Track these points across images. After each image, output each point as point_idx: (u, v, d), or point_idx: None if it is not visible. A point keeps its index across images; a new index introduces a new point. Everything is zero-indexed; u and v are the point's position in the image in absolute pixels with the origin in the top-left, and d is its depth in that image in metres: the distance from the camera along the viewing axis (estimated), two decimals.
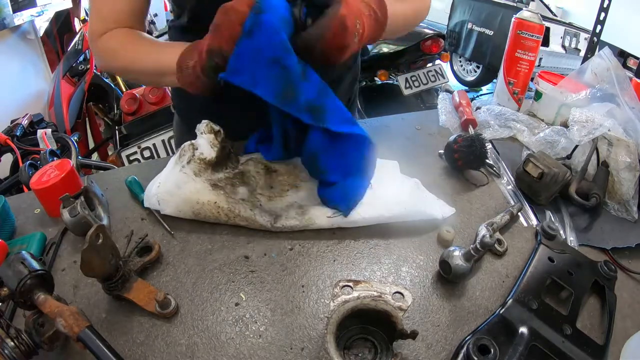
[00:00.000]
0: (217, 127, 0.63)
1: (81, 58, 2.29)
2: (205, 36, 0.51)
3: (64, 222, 0.53)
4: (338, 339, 0.41)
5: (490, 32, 3.88)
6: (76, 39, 2.29)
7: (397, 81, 2.71)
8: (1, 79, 2.06)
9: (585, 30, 3.79)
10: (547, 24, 3.69)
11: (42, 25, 2.50)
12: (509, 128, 0.83)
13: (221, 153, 0.62)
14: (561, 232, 0.60)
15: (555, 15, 4.19)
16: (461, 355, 0.42)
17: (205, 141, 0.61)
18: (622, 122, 0.67)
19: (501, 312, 0.46)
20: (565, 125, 0.78)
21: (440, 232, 0.58)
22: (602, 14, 1.19)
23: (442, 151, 0.73)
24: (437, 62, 2.90)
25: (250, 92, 0.50)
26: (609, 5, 1.18)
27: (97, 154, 2.25)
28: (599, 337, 0.47)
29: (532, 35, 0.83)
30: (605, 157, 0.67)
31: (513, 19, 0.85)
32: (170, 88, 0.83)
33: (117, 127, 1.89)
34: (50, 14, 2.51)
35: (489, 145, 0.73)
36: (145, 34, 0.65)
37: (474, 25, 4.04)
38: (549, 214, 0.64)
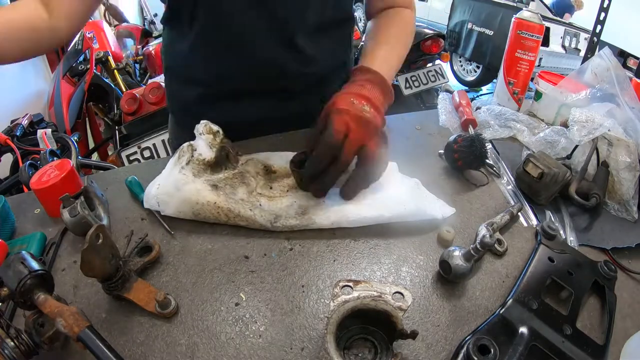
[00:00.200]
0: (215, 128, 0.63)
1: (81, 58, 2.29)
2: None
3: (64, 222, 0.53)
4: (338, 339, 0.41)
5: (490, 32, 3.88)
6: (76, 39, 2.29)
7: (397, 81, 2.72)
8: (1, 79, 2.05)
9: (585, 30, 3.80)
10: (547, 24, 3.69)
11: None
12: (509, 128, 0.83)
13: (220, 153, 0.62)
14: (561, 232, 0.60)
15: (555, 15, 4.19)
16: (461, 355, 0.42)
17: (204, 142, 0.61)
18: (622, 122, 0.67)
19: (501, 312, 0.46)
20: (565, 125, 0.78)
21: (440, 232, 0.58)
22: (602, 14, 1.20)
23: (442, 151, 0.73)
24: (437, 62, 2.90)
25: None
26: (609, 5, 1.18)
27: (97, 154, 2.25)
28: (599, 337, 0.47)
29: (532, 35, 0.83)
30: (605, 157, 0.67)
31: (513, 19, 0.85)
32: (167, 90, 0.84)
33: (117, 127, 1.89)
34: None
35: (489, 145, 0.73)
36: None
37: (474, 25, 4.05)
38: (549, 214, 0.64)
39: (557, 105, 0.83)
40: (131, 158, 1.82)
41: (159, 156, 1.83)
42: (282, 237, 0.57)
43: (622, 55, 3.04)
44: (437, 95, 1.47)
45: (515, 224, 0.62)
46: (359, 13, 4.64)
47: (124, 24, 3.58)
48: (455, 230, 0.58)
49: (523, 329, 0.44)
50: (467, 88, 4.19)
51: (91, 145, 2.29)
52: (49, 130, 1.39)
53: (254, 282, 0.51)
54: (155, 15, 4.07)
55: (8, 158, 1.35)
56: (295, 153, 0.63)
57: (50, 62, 2.63)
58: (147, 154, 1.83)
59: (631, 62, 2.99)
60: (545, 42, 3.70)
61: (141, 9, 4.95)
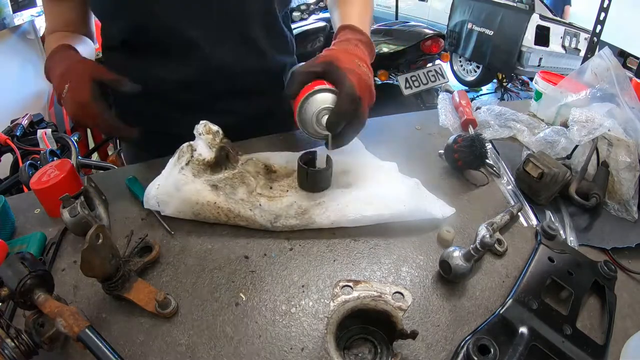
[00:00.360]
0: (215, 128, 0.63)
1: None
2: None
3: (64, 222, 0.53)
4: (338, 339, 0.41)
5: (490, 32, 3.88)
6: None
7: (397, 81, 2.72)
8: (1, 79, 2.05)
9: (585, 30, 3.80)
10: (547, 24, 3.70)
11: (42, 25, 2.50)
12: (509, 128, 0.83)
13: (220, 153, 0.62)
14: (561, 232, 0.60)
15: (555, 15, 4.19)
16: (461, 355, 0.42)
17: (204, 142, 0.61)
18: (622, 122, 0.67)
19: (501, 312, 0.46)
20: (565, 125, 0.78)
21: (440, 232, 0.58)
22: (602, 14, 1.20)
23: (442, 151, 0.72)
24: (437, 62, 2.90)
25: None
26: (609, 5, 1.18)
27: (97, 154, 2.25)
28: (599, 337, 0.47)
29: None
30: (605, 157, 0.67)
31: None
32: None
33: None
34: None
35: (489, 145, 0.73)
36: (75, 36, 0.73)
37: (474, 25, 4.05)
38: (549, 214, 0.64)
39: (557, 105, 0.83)
40: None
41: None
42: (282, 237, 0.57)
43: (622, 55, 3.03)
44: (437, 95, 1.47)
45: (515, 224, 0.62)
46: None
47: None
48: (455, 230, 0.58)
49: (523, 329, 0.44)
50: (467, 88, 4.19)
51: (91, 145, 2.28)
52: (49, 130, 1.39)
53: (254, 282, 0.51)
54: None
55: (8, 158, 1.35)
56: (294, 153, 0.63)
57: None
58: None
59: (631, 62, 2.99)
60: (546, 42, 3.71)
61: None
